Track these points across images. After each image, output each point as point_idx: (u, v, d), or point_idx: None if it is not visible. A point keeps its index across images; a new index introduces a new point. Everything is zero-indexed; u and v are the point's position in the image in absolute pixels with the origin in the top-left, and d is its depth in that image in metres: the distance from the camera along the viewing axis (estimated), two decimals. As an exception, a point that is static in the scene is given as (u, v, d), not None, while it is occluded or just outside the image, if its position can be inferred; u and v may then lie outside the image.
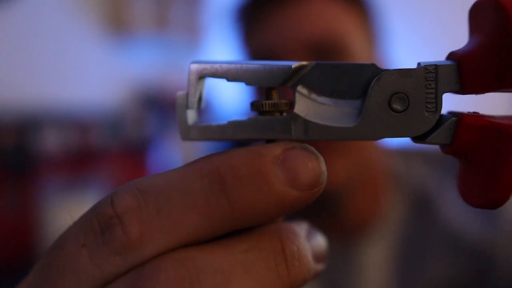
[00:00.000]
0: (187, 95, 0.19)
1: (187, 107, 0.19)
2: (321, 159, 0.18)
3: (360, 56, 0.60)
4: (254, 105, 0.19)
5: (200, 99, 0.19)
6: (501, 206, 0.18)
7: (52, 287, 0.18)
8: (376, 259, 0.63)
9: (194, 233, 0.17)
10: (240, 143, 0.19)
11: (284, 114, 0.19)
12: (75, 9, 1.72)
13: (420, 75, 0.19)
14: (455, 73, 0.19)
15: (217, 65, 0.19)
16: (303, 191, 0.17)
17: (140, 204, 0.17)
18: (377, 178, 0.66)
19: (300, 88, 0.19)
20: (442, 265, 0.62)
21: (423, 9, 2.09)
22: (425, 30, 2.04)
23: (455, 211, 0.63)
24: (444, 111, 0.19)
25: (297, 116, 0.19)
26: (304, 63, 0.19)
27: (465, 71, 0.19)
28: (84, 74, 1.75)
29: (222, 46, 0.72)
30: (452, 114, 0.19)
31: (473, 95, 0.19)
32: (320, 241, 0.20)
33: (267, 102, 0.19)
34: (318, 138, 0.19)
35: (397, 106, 0.19)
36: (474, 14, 0.19)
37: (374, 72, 0.19)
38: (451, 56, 0.19)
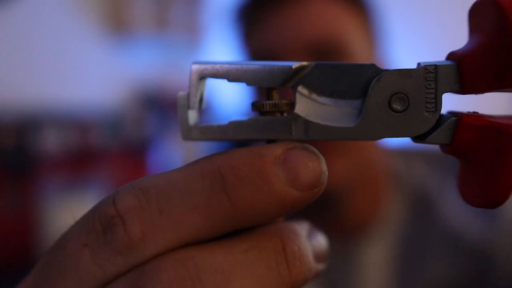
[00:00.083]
0: (188, 95, 0.19)
1: (188, 107, 0.19)
2: (322, 159, 0.18)
3: (360, 56, 0.61)
4: (254, 106, 0.19)
5: (201, 99, 0.19)
6: (501, 206, 0.18)
7: (53, 287, 0.18)
8: (376, 259, 0.63)
9: (195, 233, 0.17)
10: (241, 143, 0.19)
11: (285, 114, 0.19)
12: (75, 9, 1.72)
13: (420, 75, 0.19)
14: (455, 73, 0.19)
15: (218, 66, 0.19)
16: (304, 191, 0.18)
17: (142, 204, 0.17)
18: (377, 178, 0.66)
19: (300, 89, 0.19)
20: (442, 265, 0.62)
21: (423, 9, 2.09)
22: (425, 30, 2.04)
23: (455, 211, 0.63)
24: (443, 110, 0.19)
25: (297, 116, 0.19)
26: (304, 63, 0.19)
27: (465, 71, 0.19)
28: (84, 74, 1.75)
29: (222, 46, 0.72)
30: (451, 114, 0.19)
31: (473, 95, 0.19)
32: (321, 240, 0.21)
33: (267, 102, 0.19)
34: (319, 138, 0.19)
35: (397, 106, 0.19)
36: (474, 14, 0.20)
37: (374, 72, 0.19)
38: (451, 56, 0.19)
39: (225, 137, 0.19)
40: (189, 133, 0.19)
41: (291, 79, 0.19)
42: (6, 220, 1.48)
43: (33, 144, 1.57)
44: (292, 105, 0.19)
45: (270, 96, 0.20)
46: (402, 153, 0.70)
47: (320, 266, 0.20)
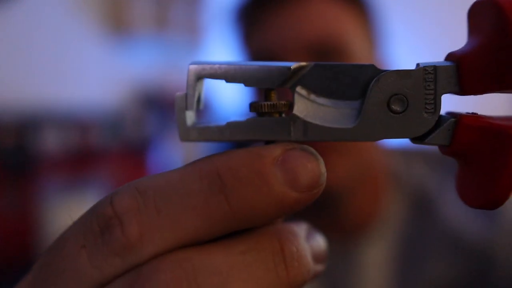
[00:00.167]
0: (186, 96, 0.19)
1: (186, 108, 0.19)
2: (321, 160, 0.18)
3: (360, 56, 0.60)
4: (253, 106, 0.19)
5: (199, 100, 0.19)
6: (501, 206, 0.18)
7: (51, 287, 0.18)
8: (376, 259, 0.63)
9: (193, 234, 0.17)
10: (240, 144, 0.19)
11: (283, 115, 0.19)
12: (75, 9, 1.72)
13: (419, 76, 0.19)
14: (454, 74, 0.19)
15: (216, 66, 0.19)
16: (302, 192, 0.17)
17: (140, 205, 0.17)
18: (377, 178, 0.66)
19: (299, 89, 0.19)
20: (442, 265, 0.62)
21: (422, 10, 2.08)
22: (424, 30, 2.04)
23: (455, 211, 0.63)
24: (442, 111, 0.19)
25: (296, 117, 0.19)
26: (303, 64, 0.19)
27: (464, 72, 0.19)
28: (84, 74, 1.75)
29: (222, 46, 0.72)
30: (451, 114, 0.19)
31: (472, 96, 0.19)
32: (319, 241, 0.20)
33: (266, 103, 0.19)
34: (317, 139, 0.19)
35: (396, 107, 0.19)
36: (473, 14, 0.19)
37: (373, 73, 0.19)
38: (450, 57, 0.19)
39: (223, 138, 0.19)
40: (187, 134, 0.19)
41: (289, 79, 0.19)
42: (6, 220, 1.48)
43: (33, 144, 1.57)
44: (290, 105, 0.19)
45: (268, 97, 0.19)
46: (402, 153, 0.70)
47: (319, 267, 0.20)
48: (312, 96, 0.19)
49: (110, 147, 1.78)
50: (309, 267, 0.18)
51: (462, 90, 0.19)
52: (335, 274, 0.63)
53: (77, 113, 1.70)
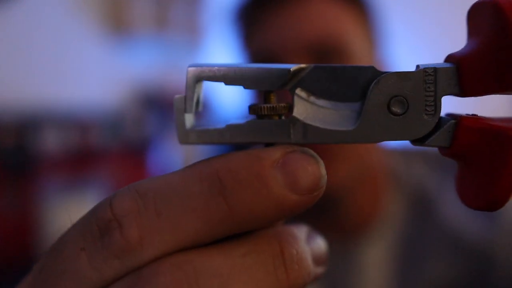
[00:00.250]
0: (184, 98, 0.19)
1: (185, 110, 0.19)
2: (321, 162, 0.18)
3: (360, 56, 0.60)
4: (252, 109, 0.19)
5: (198, 102, 0.19)
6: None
7: None
8: (376, 259, 0.63)
9: (193, 237, 0.17)
10: (240, 147, 0.19)
11: (283, 117, 0.19)
12: (75, 9, 1.72)
13: (419, 78, 0.19)
14: (454, 76, 0.19)
15: (215, 69, 0.19)
16: (303, 195, 0.17)
17: (140, 207, 0.17)
18: (377, 178, 0.66)
19: (298, 91, 0.19)
20: (442, 265, 0.62)
21: (422, 10, 2.08)
22: (425, 31, 2.04)
23: (455, 211, 0.63)
24: (442, 112, 0.19)
25: (296, 120, 0.19)
26: (302, 65, 0.19)
27: (464, 73, 0.19)
28: (84, 74, 1.75)
29: (222, 46, 0.72)
30: (451, 116, 0.19)
31: (472, 97, 0.19)
32: (320, 244, 0.20)
33: (265, 105, 0.19)
34: (317, 141, 0.19)
35: (396, 109, 0.19)
36: (473, 15, 0.19)
37: (373, 75, 0.19)
38: (450, 58, 0.19)
39: (222, 140, 0.19)
40: (186, 137, 0.19)
41: (289, 81, 0.19)
42: (6, 220, 1.48)
43: (33, 144, 1.57)
44: (290, 108, 0.19)
45: (267, 99, 0.19)
46: (402, 153, 0.70)
47: (319, 270, 0.20)
48: (312, 98, 0.19)
49: (110, 147, 1.77)
50: (309, 270, 0.18)
51: (462, 91, 0.19)
52: (335, 274, 0.63)
53: (77, 113, 1.70)
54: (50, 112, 1.62)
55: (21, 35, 1.56)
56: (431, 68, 0.19)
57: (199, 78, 0.19)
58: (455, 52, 0.19)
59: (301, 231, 0.19)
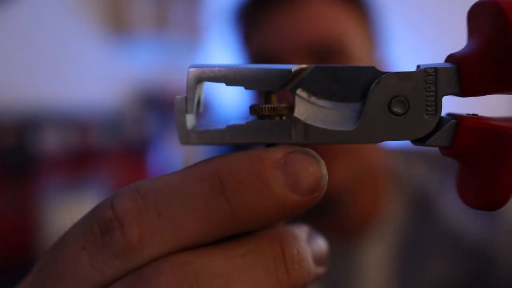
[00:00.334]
0: (185, 99, 0.19)
1: (186, 111, 0.19)
2: (322, 163, 0.18)
3: (360, 56, 0.60)
4: (253, 109, 0.19)
5: (198, 103, 0.19)
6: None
7: None
8: (376, 259, 0.63)
9: (194, 237, 0.17)
10: (240, 147, 0.19)
11: (284, 118, 0.19)
12: (75, 9, 1.72)
13: (420, 78, 0.19)
14: (455, 76, 0.19)
15: (215, 69, 0.19)
16: (304, 195, 0.17)
17: (140, 207, 0.17)
18: (377, 178, 0.66)
19: (299, 92, 0.19)
20: (442, 265, 0.62)
21: (422, 10, 2.08)
22: (425, 31, 2.04)
23: (455, 211, 0.63)
24: (443, 112, 0.19)
25: (296, 120, 0.19)
26: (303, 66, 0.19)
27: (465, 73, 0.19)
28: (84, 74, 1.75)
29: (222, 46, 0.72)
30: (451, 116, 0.19)
31: (472, 97, 0.19)
32: (320, 244, 0.20)
33: (266, 106, 0.19)
34: (318, 141, 0.19)
35: (397, 109, 0.19)
36: (473, 15, 0.19)
37: (373, 75, 0.19)
38: (450, 58, 0.19)
39: (223, 141, 0.19)
40: (187, 137, 0.19)
41: (290, 82, 0.19)
42: (6, 220, 1.48)
43: (33, 144, 1.57)
44: (291, 108, 0.19)
45: (268, 99, 0.19)
46: (402, 153, 0.70)
47: (320, 270, 0.20)
48: (313, 99, 0.19)
49: (110, 147, 1.77)
50: (310, 270, 0.18)
51: (463, 91, 0.19)
52: (335, 274, 0.63)
53: (77, 113, 1.70)
54: (50, 112, 1.62)
55: (21, 35, 1.56)
56: (431, 68, 0.19)
57: (200, 79, 0.19)
58: (455, 52, 0.19)
59: (301, 231, 0.19)
